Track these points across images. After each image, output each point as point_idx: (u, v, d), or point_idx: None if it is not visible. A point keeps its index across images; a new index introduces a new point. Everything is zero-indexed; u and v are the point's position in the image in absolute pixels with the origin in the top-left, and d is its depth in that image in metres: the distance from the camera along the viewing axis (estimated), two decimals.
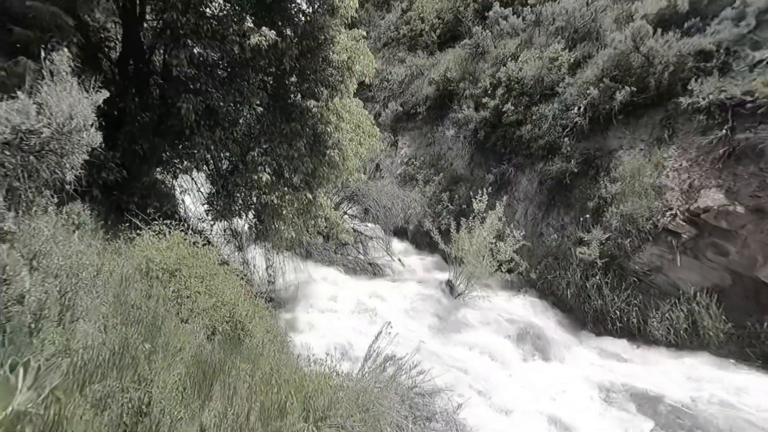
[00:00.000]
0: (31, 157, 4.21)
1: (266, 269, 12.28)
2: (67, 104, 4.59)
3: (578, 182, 13.88)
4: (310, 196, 10.50)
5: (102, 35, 9.65)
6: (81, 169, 5.00)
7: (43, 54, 4.46)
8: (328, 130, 10.40)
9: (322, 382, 6.00)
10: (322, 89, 10.26)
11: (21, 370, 3.19)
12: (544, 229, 14.53)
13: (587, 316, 12.56)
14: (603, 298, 12.30)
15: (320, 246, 14.73)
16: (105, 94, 5.29)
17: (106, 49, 9.61)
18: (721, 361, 10.61)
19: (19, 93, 4.19)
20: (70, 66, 4.52)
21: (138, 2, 9.26)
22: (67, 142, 4.72)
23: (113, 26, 9.95)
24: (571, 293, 13.04)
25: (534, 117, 15.33)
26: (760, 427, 8.63)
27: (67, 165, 4.79)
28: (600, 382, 10.05)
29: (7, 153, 4.04)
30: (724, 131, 11.27)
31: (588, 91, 14.00)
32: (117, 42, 9.84)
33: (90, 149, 5.06)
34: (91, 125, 4.97)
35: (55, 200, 4.81)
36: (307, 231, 11.70)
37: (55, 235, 4.49)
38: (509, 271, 13.99)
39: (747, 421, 8.82)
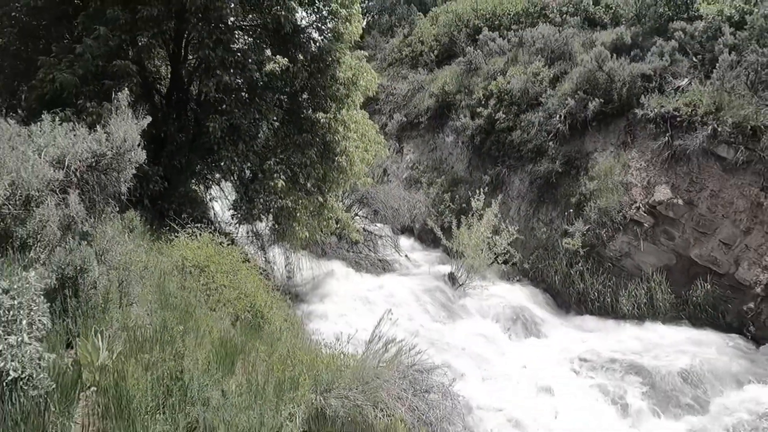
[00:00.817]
0: (102, 175, 5.03)
1: (285, 266, 12.98)
2: (122, 131, 5.43)
3: (563, 181, 14.58)
4: (321, 199, 11.19)
5: (156, 76, 11.02)
6: (134, 182, 5.84)
7: (113, 95, 5.30)
8: (337, 138, 11.01)
9: (330, 362, 6.60)
10: (330, 103, 10.94)
11: (100, 337, 4.00)
12: (534, 223, 15.15)
13: (572, 299, 13.33)
14: (584, 282, 13.08)
15: (334, 245, 15.26)
16: (148, 119, 6.13)
17: (158, 86, 10.86)
18: (667, 325, 11.89)
19: (98, 127, 5.04)
20: (128, 101, 5.35)
21: (183, 47, 10.31)
22: (122, 160, 5.56)
23: (164, 68, 11.26)
24: (558, 279, 13.74)
25: (522, 124, 15.98)
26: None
27: (122, 179, 5.64)
28: (580, 354, 10.75)
29: (89, 174, 4.88)
30: (666, 138, 12.72)
31: (566, 102, 14.79)
32: (166, 79, 11.04)
33: (137, 165, 5.89)
34: (138, 145, 5.80)
35: (117, 209, 5.65)
36: (321, 231, 12.32)
37: (115, 236, 5.31)
38: (505, 262, 14.62)
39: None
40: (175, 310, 5.63)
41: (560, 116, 14.87)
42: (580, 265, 13.24)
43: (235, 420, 4.17)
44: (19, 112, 8.09)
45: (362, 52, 11.69)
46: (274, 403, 4.90)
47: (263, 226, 11.74)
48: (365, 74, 11.31)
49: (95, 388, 3.63)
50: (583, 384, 9.86)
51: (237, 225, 10.77)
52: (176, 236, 7.77)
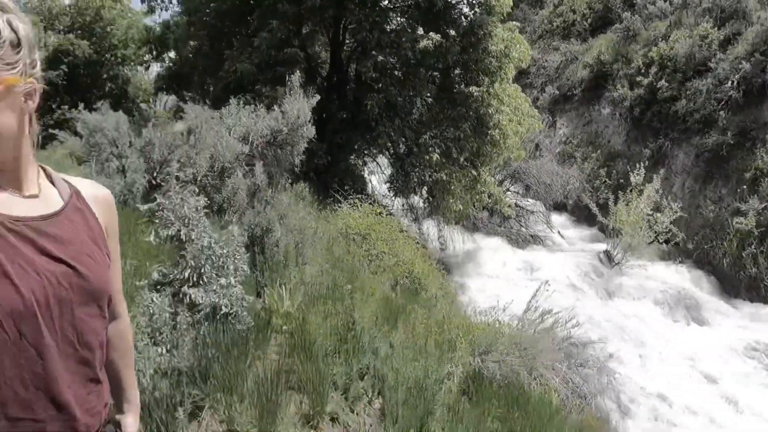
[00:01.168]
0: (278, 149, 5.66)
1: (438, 239, 13.39)
2: (296, 108, 6.01)
3: (735, 154, 13.44)
4: (475, 173, 11.38)
5: (318, 60, 12.03)
6: (303, 157, 6.45)
7: (287, 79, 5.93)
8: (490, 112, 11.07)
9: (486, 328, 6.90)
10: (482, 77, 11.04)
11: (283, 288, 4.57)
12: (701, 201, 14.17)
13: (742, 284, 12.33)
14: (758, 266, 11.99)
15: (485, 219, 15.45)
16: (317, 97, 6.70)
17: (320, 69, 11.83)
18: None
19: (275, 107, 5.69)
20: (299, 83, 5.93)
21: (341, 32, 11.02)
22: (295, 135, 6.16)
23: (324, 53, 12.22)
24: (726, 262, 12.78)
25: (688, 92, 14.92)
26: None
27: (295, 152, 6.25)
28: (748, 343, 9.99)
29: (268, 149, 5.53)
30: None
31: (740, 66, 13.50)
32: (326, 63, 11.94)
33: (308, 140, 6.49)
34: (309, 121, 6.39)
35: (289, 180, 6.31)
36: (473, 205, 12.54)
37: (290, 204, 5.93)
38: (666, 242, 13.91)
39: None
40: (343, 271, 6.15)
41: (732, 82, 13.65)
42: (753, 247, 12.17)
43: (402, 369, 4.55)
44: (207, 101, 9.23)
45: (514, 23, 11.60)
46: (436, 358, 5.25)
47: (417, 199, 12.19)
48: (517, 45, 11.25)
49: (286, 328, 4.17)
50: (755, 376, 9.15)
51: (393, 198, 11.32)
52: (339, 206, 8.42)
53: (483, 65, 10.91)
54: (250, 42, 9.73)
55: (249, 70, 9.17)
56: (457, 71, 11.26)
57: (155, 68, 19.31)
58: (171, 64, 14.84)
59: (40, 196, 1.24)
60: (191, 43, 11.85)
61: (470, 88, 11.03)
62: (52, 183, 1.30)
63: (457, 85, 11.23)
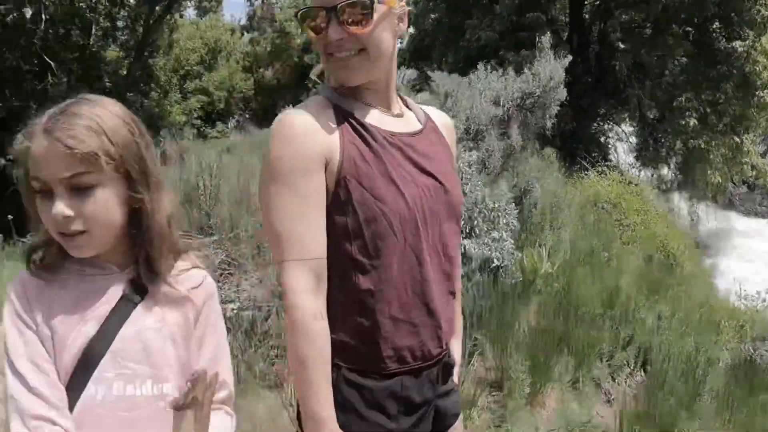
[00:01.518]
0: (528, 113, 5.59)
1: (689, 214, 12.24)
2: (548, 70, 5.86)
3: None
4: (737, 140, 10.13)
5: (558, 23, 11.67)
6: (554, 119, 6.28)
7: (537, 40, 5.84)
8: (757, 70, 9.84)
9: (755, 314, 6.19)
10: (747, 30, 9.83)
11: (543, 249, 4.50)
12: None
13: None
14: None
15: (743, 195, 13.87)
16: (569, 58, 6.47)
17: (560, 32, 11.38)
18: None
19: (524, 70, 5.65)
20: (549, 44, 5.79)
21: None
22: (547, 98, 6.01)
23: (563, 17, 11.89)
24: None
25: None
26: None
27: (547, 115, 6.10)
28: None
29: (517, 112, 5.50)
30: None
31: None
32: (566, 26, 11.59)
33: (560, 102, 6.30)
34: (561, 83, 6.19)
35: (536, 145, 6.20)
36: (732, 179, 11.26)
37: (543, 167, 5.84)
38: None
39: None
40: (599, 238, 5.93)
41: None
42: None
43: (668, 342, 4.24)
44: (444, 70, 9.52)
45: None
46: (706, 337, 4.84)
47: (666, 171, 11.26)
48: None
49: (556, 285, 4.12)
50: None
51: (639, 168, 10.60)
52: (586, 174, 8.09)
53: (749, 15, 9.62)
54: (490, 10, 9.81)
55: (491, 37, 9.33)
56: (715, 25, 10.13)
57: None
58: (411, 39, 15.58)
59: (403, 116, 1.30)
60: (431, 16, 12.27)
61: (732, 44, 9.86)
62: (407, 107, 1.37)
63: (716, 41, 10.08)
